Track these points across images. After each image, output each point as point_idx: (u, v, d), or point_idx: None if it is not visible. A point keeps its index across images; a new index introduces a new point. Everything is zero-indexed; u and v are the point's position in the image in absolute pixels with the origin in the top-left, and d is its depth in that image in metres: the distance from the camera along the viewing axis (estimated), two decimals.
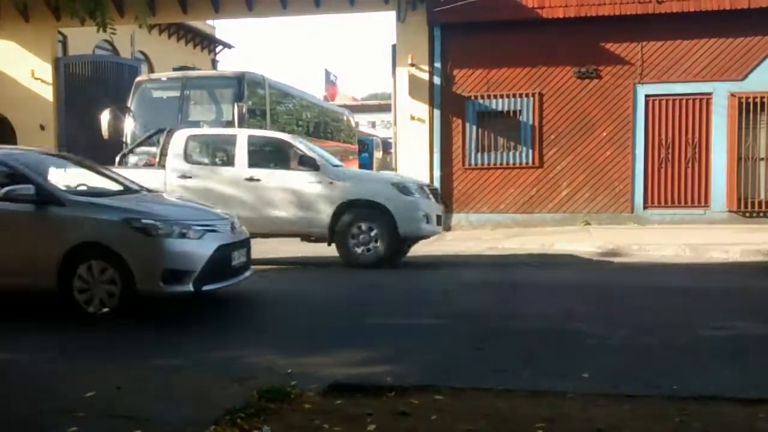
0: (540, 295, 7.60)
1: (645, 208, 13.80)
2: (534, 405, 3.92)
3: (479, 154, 14.25)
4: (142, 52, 21.08)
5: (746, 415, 3.75)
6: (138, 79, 15.14)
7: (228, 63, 37.58)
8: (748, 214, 13.49)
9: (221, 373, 4.62)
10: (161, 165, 10.40)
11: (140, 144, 12.61)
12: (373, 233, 9.39)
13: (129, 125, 14.36)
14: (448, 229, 14.07)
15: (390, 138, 18.34)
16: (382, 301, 7.28)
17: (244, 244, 7.05)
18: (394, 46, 14.66)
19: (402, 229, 9.33)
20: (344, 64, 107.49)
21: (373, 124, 42.28)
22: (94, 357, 5.13)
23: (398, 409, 3.83)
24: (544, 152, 14.09)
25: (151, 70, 20.73)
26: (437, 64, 14.28)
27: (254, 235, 7.75)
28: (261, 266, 8.36)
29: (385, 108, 30.48)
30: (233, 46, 29.84)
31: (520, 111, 14.16)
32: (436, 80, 14.30)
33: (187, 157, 10.23)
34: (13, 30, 16.05)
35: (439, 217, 9.86)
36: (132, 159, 12.67)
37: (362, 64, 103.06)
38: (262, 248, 9.47)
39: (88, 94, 16.50)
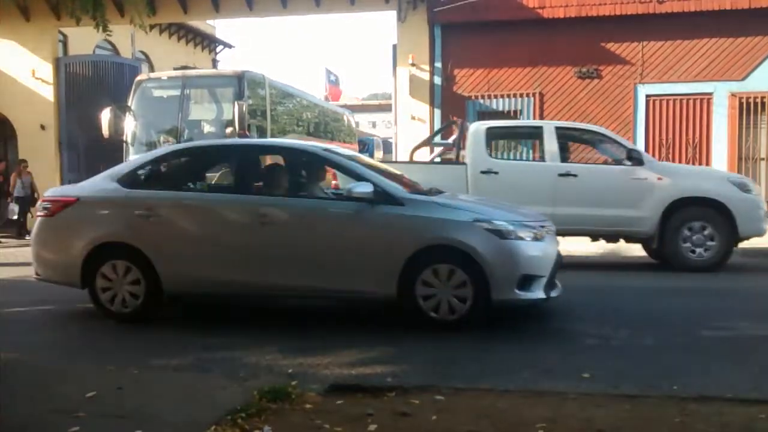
0: None
1: None
2: (535, 405, 3.92)
3: None
4: (142, 52, 21.08)
5: (746, 415, 3.75)
6: (138, 78, 15.14)
7: (228, 63, 37.61)
8: None
9: (222, 373, 4.63)
10: (458, 160, 9.86)
11: (432, 138, 11.63)
12: (706, 232, 8.78)
13: (129, 124, 14.37)
14: None
15: (391, 138, 18.33)
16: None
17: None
18: (394, 46, 14.66)
19: (742, 228, 8.69)
20: (345, 64, 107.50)
21: (374, 124, 42.28)
22: (95, 357, 5.13)
23: (399, 410, 3.83)
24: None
25: (152, 69, 20.73)
26: (438, 64, 14.29)
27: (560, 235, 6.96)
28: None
29: (385, 108, 30.48)
30: (233, 46, 29.92)
31: (521, 111, 14.16)
32: (437, 80, 14.30)
33: (488, 152, 9.67)
34: (13, 29, 16.07)
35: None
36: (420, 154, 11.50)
37: (363, 64, 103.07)
38: None
39: (88, 93, 16.50)
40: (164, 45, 22.78)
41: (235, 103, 13.50)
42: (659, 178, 8.82)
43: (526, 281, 5.66)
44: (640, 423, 3.62)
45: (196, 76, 15.43)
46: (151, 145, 14.36)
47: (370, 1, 15.40)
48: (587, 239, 9.56)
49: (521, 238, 5.67)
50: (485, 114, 14.26)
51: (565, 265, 6.55)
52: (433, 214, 5.72)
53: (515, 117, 14.17)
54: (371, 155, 32.59)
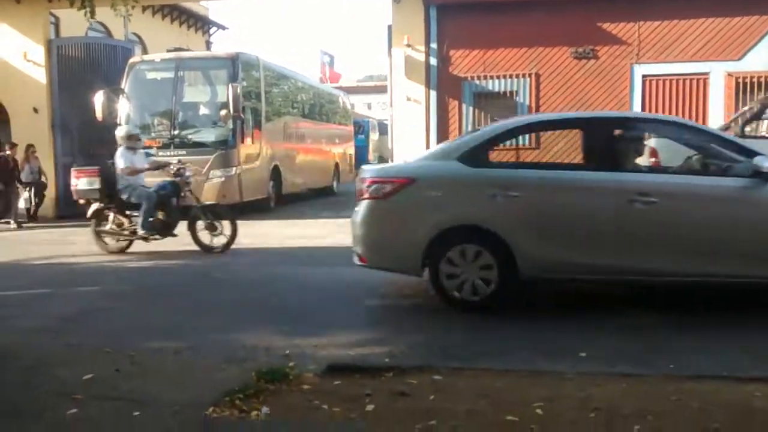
0: None
1: None
2: (532, 385, 3.93)
3: None
4: (135, 34, 20.87)
5: (742, 392, 3.77)
6: (131, 60, 15.03)
7: (222, 45, 37.36)
8: None
9: (219, 355, 4.63)
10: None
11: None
12: None
13: (123, 107, 14.28)
14: None
15: (386, 120, 18.26)
16: None
17: None
18: (389, 27, 14.55)
19: None
20: (340, 45, 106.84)
21: (369, 106, 42.09)
22: (92, 340, 5.13)
23: (397, 389, 3.84)
24: (540, 133, 14.04)
25: (145, 51, 20.54)
26: (433, 45, 14.19)
27: None
28: None
29: (381, 89, 30.32)
30: (227, 28, 29.64)
31: (517, 92, 14.10)
32: (433, 61, 14.21)
33: None
34: (4, 12, 15.88)
35: None
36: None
37: (358, 45, 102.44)
38: None
39: (81, 76, 16.34)
40: (157, 27, 22.56)
41: (230, 85, 13.42)
42: None
43: None
44: (637, 401, 3.63)
45: (189, 59, 15.33)
46: (145, 128, 14.29)
47: None
48: None
49: None
50: (481, 95, 14.20)
51: None
52: None
53: (512, 98, 14.11)
54: (367, 137, 32.58)
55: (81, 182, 9.55)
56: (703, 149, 6.05)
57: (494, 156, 6.21)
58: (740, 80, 13.35)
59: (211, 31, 27.17)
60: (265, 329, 5.36)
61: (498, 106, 14.12)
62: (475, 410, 3.55)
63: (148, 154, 10.83)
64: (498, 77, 14.09)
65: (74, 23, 18.06)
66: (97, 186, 9.49)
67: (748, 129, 9.82)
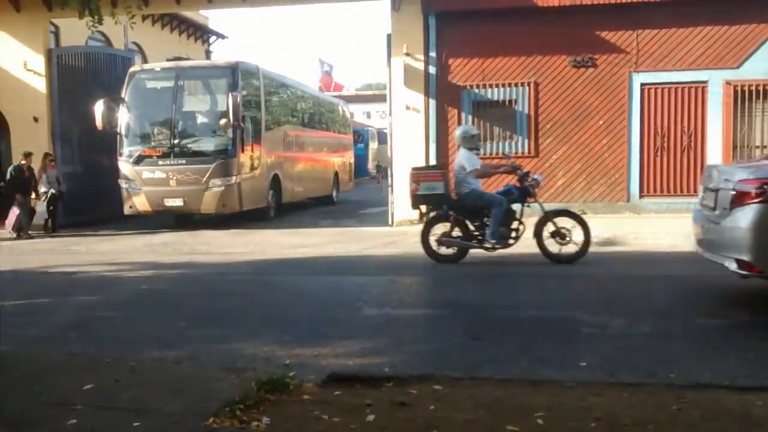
0: (538, 285, 7.61)
1: (641, 196, 13.81)
2: (533, 394, 3.93)
3: None
4: (135, 43, 20.91)
5: (743, 402, 3.77)
6: (131, 69, 15.06)
7: (222, 54, 37.44)
8: None
9: (219, 364, 4.62)
10: None
11: None
12: None
13: (123, 116, 14.30)
14: None
15: (385, 128, 18.28)
16: None
17: None
18: (388, 36, 14.58)
19: None
20: (339, 54, 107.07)
21: (369, 115, 42.17)
22: (92, 350, 5.12)
23: (397, 400, 3.83)
24: (539, 141, 14.07)
25: (145, 60, 20.58)
26: (432, 54, 14.22)
27: None
28: None
29: (380, 98, 30.38)
30: (227, 37, 29.66)
31: (516, 100, 14.13)
32: (432, 70, 14.24)
33: None
34: (4, 21, 15.92)
35: None
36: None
37: (357, 54, 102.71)
38: None
39: (81, 85, 16.37)
40: (157, 36, 22.61)
41: (229, 94, 13.45)
42: None
43: None
44: (638, 411, 3.63)
45: (189, 67, 15.36)
46: (145, 137, 14.32)
47: None
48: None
49: None
50: (480, 104, 14.23)
51: None
52: None
53: (510, 106, 14.13)
54: (366, 146, 32.62)
55: (422, 187, 8.84)
56: None
57: None
58: (738, 88, 13.39)
59: (211, 40, 27.23)
60: (265, 339, 5.36)
61: (497, 114, 14.15)
62: (476, 420, 3.54)
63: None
64: (497, 86, 14.13)
65: (74, 32, 18.11)
66: (440, 191, 8.82)
67: None
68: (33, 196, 14.13)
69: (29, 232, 13.74)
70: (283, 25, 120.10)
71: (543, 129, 14.06)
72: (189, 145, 13.99)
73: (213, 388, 4.05)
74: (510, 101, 14.15)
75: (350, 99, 32.36)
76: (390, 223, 14.10)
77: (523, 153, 14.02)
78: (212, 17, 27.54)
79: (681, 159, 13.71)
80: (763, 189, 5.49)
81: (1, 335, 5.06)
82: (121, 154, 14.29)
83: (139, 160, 14.03)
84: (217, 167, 13.70)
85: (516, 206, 8.93)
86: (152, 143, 14.11)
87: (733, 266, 5.66)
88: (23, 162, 14.04)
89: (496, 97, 14.16)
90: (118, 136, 14.28)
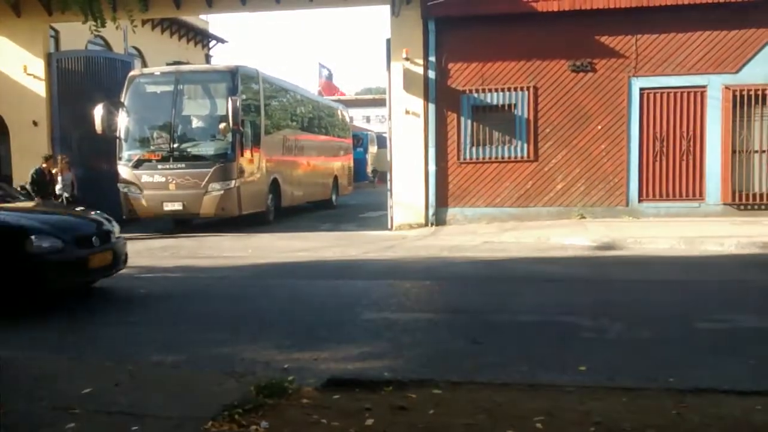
0: (536, 288, 7.60)
1: (640, 201, 13.81)
2: (532, 398, 3.92)
3: (474, 148, 14.22)
4: (135, 48, 20.94)
5: (743, 407, 3.76)
6: (131, 73, 15.08)
7: (222, 58, 37.40)
8: (742, 207, 13.51)
9: (218, 369, 4.61)
10: None
11: None
12: None
13: (122, 120, 14.31)
14: (443, 223, 14.07)
15: (385, 133, 18.29)
16: None
17: None
18: (388, 41, 14.61)
19: None
20: (339, 58, 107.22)
21: (368, 119, 42.20)
22: (90, 354, 5.11)
23: (396, 404, 3.83)
24: (539, 146, 14.08)
25: (145, 65, 20.61)
26: (432, 58, 14.24)
27: None
28: None
29: (379, 102, 30.40)
30: (227, 41, 29.68)
31: (515, 105, 14.13)
32: (431, 74, 14.25)
33: None
34: (4, 25, 15.94)
35: None
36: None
37: (357, 58, 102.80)
38: None
39: (81, 89, 16.39)
40: (157, 40, 22.64)
41: (229, 98, 13.46)
42: None
43: None
44: (638, 415, 3.62)
45: (189, 72, 15.37)
46: (144, 141, 14.33)
47: None
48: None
49: None
50: (479, 108, 14.24)
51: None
52: None
53: (510, 111, 14.13)
54: (365, 150, 32.64)
55: None
56: None
57: None
58: (737, 93, 13.40)
59: (211, 44, 27.27)
60: (264, 343, 5.35)
61: (496, 119, 14.16)
62: (475, 425, 3.53)
63: None
64: (496, 90, 14.14)
65: (74, 37, 18.13)
66: None
67: None
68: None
69: None
70: (283, 29, 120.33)
71: (542, 133, 14.07)
72: (188, 149, 14.00)
73: (212, 393, 4.04)
74: (509, 106, 14.16)
75: (350, 103, 32.37)
76: (389, 227, 14.10)
77: (522, 157, 14.03)
78: (212, 22, 27.59)
79: (680, 163, 13.71)
80: None
81: (1, 339, 5.05)
82: (120, 158, 14.29)
83: (138, 164, 14.03)
84: (217, 171, 13.70)
85: None
86: (152, 147, 14.12)
87: None
88: (44, 165, 13.96)
89: (495, 102, 14.17)
90: (118, 140, 14.29)
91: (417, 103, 14.26)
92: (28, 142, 15.98)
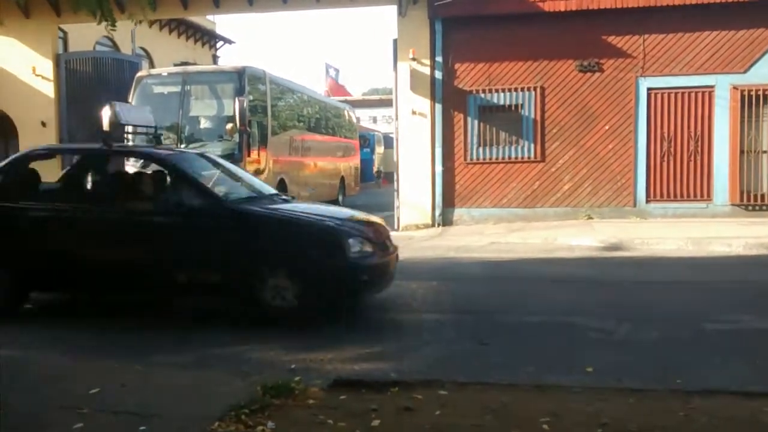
0: (543, 289, 7.59)
1: (647, 201, 13.76)
2: (539, 399, 3.91)
3: (481, 149, 14.21)
4: (142, 48, 21.03)
5: (750, 408, 3.75)
6: (139, 74, 15.12)
7: (229, 58, 37.47)
8: (750, 208, 13.44)
9: (225, 369, 4.63)
10: None
11: None
12: None
13: None
14: (449, 224, 14.06)
15: (391, 133, 18.29)
16: None
17: None
18: (395, 41, 14.61)
19: None
20: (346, 58, 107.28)
21: (375, 119, 42.18)
22: (98, 354, 5.13)
23: (403, 405, 3.83)
24: (546, 146, 14.05)
25: (152, 65, 20.69)
26: (438, 59, 14.23)
27: None
28: None
29: (386, 103, 30.36)
30: (234, 42, 29.72)
31: (522, 105, 14.11)
32: (438, 75, 14.25)
33: None
34: (13, 26, 16.02)
35: None
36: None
37: (363, 58, 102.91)
38: None
39: (89, 90, 16.47)
40: (164, 41, 22.72)
41: (236, 99, 13.48)
42: None
43: None
44: (645, 417, 3.61)
45: (196, 72, 15.40)
46: (151, 142, 14.36)
47: None
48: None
49: None
50: (486, 108, 14.22)
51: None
52: None
53: (517, 111, 14.10)
54: (372, 150, 32.64)
55: None
56: None
57: None
58: (746, 93, 13.33)
59: (218, 45, 27.35)
60: (270, 343, 5.36)
61: (503, 119, 14.14)
62: (482, 425, 3.53)
63: None
64: (503, 90, 14.11)
65: (82, 38, 18.23)
66: None
67: None
68: None
69: None
70: (290, 30, 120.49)
71: (549, 134, 14.04)
72: (196, 150, 14.02)
73: (218, 393, 4.05)
74: (516, 106, 14.14)
75: (356, 104, 32.38)
76: (396, 227, 14.09)
77: (529, 158, 14.00)
78: (219, 22, 27.65)
79: (688, 164, 13.65)
80: None
81: (8, 339, 5.08)
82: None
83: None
84: None
85: None
86: (159, 148, 14.13)
87: None
88: None
89: (502, 102, 14.15)
90: (125, 141, 14.32)
91: (424, 103, 14.26)
92: (36, 142, 16.01)
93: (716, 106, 13.49)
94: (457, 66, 14.25)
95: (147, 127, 9.12)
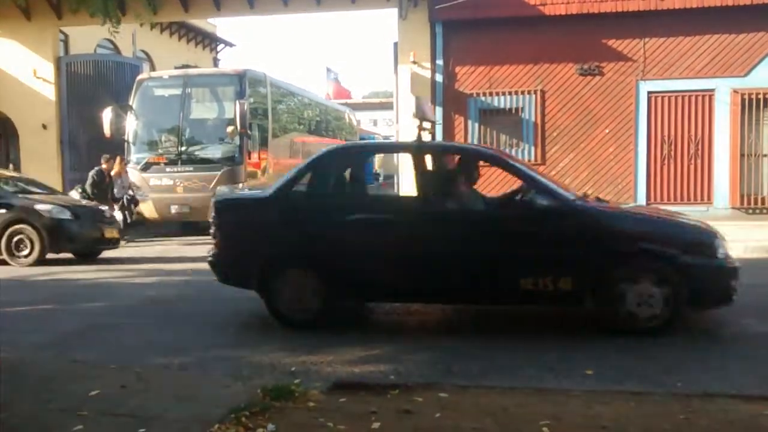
0: None
1: (648, 204, 13.77)
2: (539, 402, 3.91)
3: None
4: (143, 51, 21.07)
5: (750, 411, 3.75)
6: (139, 77, 15.14)
7: (230, 61, 37.56)
8: (750, 211, 13.46)
9: (225, 371, 4.62)
10: None
11: None
12: None
13: (131, 124, 14.37)
14: None
15: (392, 136, 18.32)
16: None
17: None
18: (395, 44, 14.64)
19: None
20: (346, 61, 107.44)
21: (375, 122, 42.22)
22: (98, 356, 5.13)
23: (402, 407, 3.82)
24: (546, 149, 14.06)
25: (153, 68, 20.72)
26: (439, 62, 14.26)
27: None
28: None
29: (386, 106, 30.42)
30: (235, 45, 29.82)
31: (523, 108, 14.13)
32: (438, 78, 14.28)
33: None
34: (15, 29, 16.07)
35: None
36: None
37: (364, 62, 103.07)
38: None
39: (90, 92, 16.50)
40: (165, 44, 22.76)
41: (237, 101, 13.49)
42: None
43: None
44: (645, 420, 3.61)
45: (197, 75, 15.43)
46: (152, 145, 14.38)
47: None
48: None
49: None
50: (486, 112, 14.24)
51: None
52: None
53: (517, 114, 14.13)
54: None
55: None
56: None
57: None
58: (746, 97, 13.35)
59: (219, 48, 27.39)
60: (270, 346, 5.35)
61: (503, 122, 14.16)
62: (482, 428, 3.53)
63: None
64: (503, 94, 14.14)
65: (83, 40, 18.27)
66: None
67: None
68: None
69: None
70: (291, 33, 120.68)
71: (550, 137, 14.05)
72: (196, 153, 14.04)
73: (218, 395, 4.05)
74: (517, 109, 14.16)
75: (357, 107, 32.43)
76: None
77: (529, 161, 14.01)
78: (220, 25, 27.72)
79: (688, 167, 13.67)
80: None
81: (8, 341, 5.08)
82: (128, 161, 14.34)
83: (146, 167, 14.07)
84: (224, 174, 13.73)
85: None
86: (159, 150, 14.16)
87: None
88: (104, 166, 13.93)
89: (502, 105, 14.17)
90: (126, 144, 14.34)
91: None
92: (37, 145, 16.10)
93: (716, 109, 13.52)
94: (457, 69, 14.27)
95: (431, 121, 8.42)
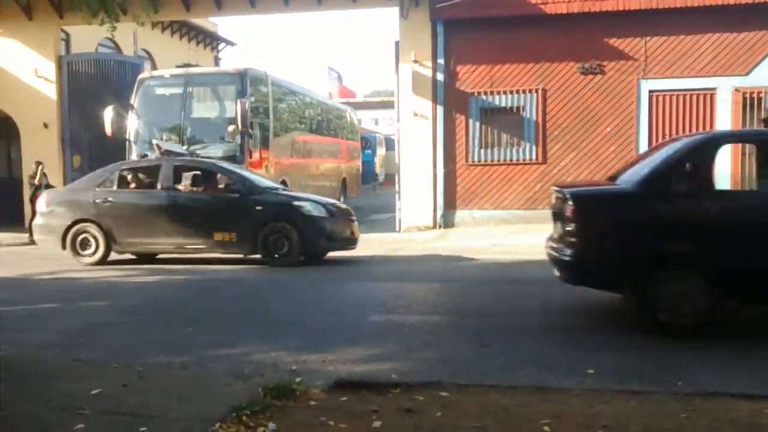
0: (544, 291, 7.58)
1: None
2: (540, 401, 3.91)
3: (482, 151, 14.23)
4: (144, 50, 21.06)
5: (751, 410, 3.75)
6: (141, 76, 15.14)
7: (231, 60, 37.56)
8: None
9: (226, 370, 4.63)
10: None
11: None
12: None
13: (132, 123, 14.38)
14: (451, 226, 14.07)
15: (393, 135, 18.33)
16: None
17: None
18: (397, 43, 14.63)
19: None
20: (347, 60, 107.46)
21: (376, 121, 42.20)
22: (100, 355, 5.14)
23: (404, 406, 3.83)
24: (547, 148, 14.06)
25: (154, 67, 20.71)
26: (440, 61, 14.25)
27: None
28: None
29: (388, 105, 30.42)
30: (236, 44, 29.78)
31: (524, 107, 14.13)
32: (440, 76, 14.27)
33: None
34: (16, 28, 16.07)
35: None
36: None
37: (365, 61, 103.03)
38: None
39: (91, 91, 16.51)
40: (166, 43, 22.76)
41: (238, 100, 13.49)
42: None
43: None
44: (646, 419, 3.61)
45: (198, 74, 15.42)
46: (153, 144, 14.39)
47: None
48: None
49: None
50: (488, 110, 14.24)
51: None
52: None
53: (518, 113, 14.12)
54: (374, 152, 32.65)
55: None
56: None
57: None
58: (747, 95, 13.34)
59: (220, 47, 27.37)
60: (272, 344, 5.36)
61: (504, 121, 14.15)
62: (482, 427, 3.53)
63: None
64: (505, 92, 14.13)
65: (85, 39, 18.27)
66: None
67: None
68: None
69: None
70: (292, 32, 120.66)
71: (551, 136, 14.05)
72: (197, 152, 14.03)
73: (220, 394, 4.06)
74: (518, 108, 14.15)
75: (358, 105, 32.42)
76: (398, 229, 14.11)
77: (531, 160, 14.01)
78: (221, 24, 27.70)
79: None
80: None
81: (10, 340, 5.08)
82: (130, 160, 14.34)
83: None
84: None
85: None
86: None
87: None
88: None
89: (503, 104, 14.16)
90: (127, 142, 14.35)
91: (425, 105, 14.28)
92: (38, 144, 16.10)
93: (718, 108, 13.50)
94: (458, 68, 14.27)
95: None
